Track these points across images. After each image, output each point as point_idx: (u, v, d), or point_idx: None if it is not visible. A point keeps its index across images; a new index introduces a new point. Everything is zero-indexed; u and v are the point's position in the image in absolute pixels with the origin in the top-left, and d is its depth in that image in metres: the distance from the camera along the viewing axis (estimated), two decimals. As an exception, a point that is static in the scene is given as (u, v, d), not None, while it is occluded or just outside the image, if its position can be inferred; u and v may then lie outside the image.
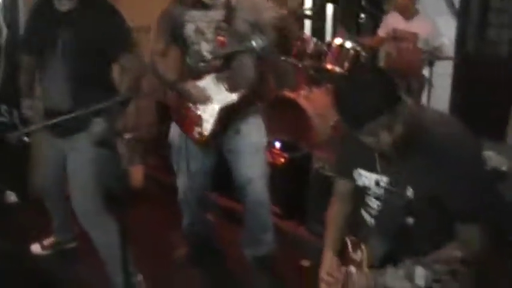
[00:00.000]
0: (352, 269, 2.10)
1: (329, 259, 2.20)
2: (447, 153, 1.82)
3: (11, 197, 4.53)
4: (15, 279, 3.46)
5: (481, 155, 1.92)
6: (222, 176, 3.58)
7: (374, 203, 2.09)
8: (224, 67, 3.13)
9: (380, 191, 2.04)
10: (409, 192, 1.90)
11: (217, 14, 3.13)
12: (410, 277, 1.71)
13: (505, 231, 3.04)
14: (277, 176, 3.99)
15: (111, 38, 3.06)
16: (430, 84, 4.91)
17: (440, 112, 2.10)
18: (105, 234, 3.15)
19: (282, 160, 4.12)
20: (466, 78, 5.65)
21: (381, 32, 5.48)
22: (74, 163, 3.17)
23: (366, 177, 2.07)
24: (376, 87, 1.77)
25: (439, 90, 5.16)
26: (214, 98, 3.20)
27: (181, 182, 3.49)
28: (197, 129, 3.26)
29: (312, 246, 3.79)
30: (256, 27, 3.10)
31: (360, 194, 2.16)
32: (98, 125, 3.02)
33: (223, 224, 4.15)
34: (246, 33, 3.07)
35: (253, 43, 2.86)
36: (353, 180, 2.16)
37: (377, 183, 2.04)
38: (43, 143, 3.36)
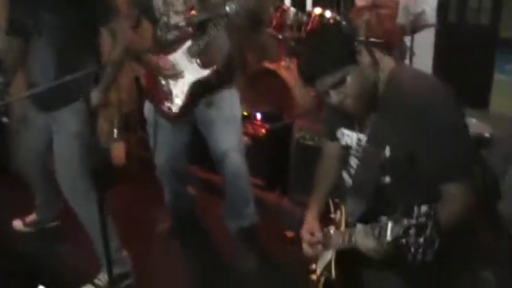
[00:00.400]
0: (331, 228, 2.14)
1: (311, 219, 2.25)
2: (426, 110, 1.79)
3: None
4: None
5: (461, 113, 1.87)
6: (201, 149, 3.56)
7: (354, 162, 2.09)
8: (196, 39, 3.08)
9: (360, 150, 2.05)
10: (386, 150, 1.88)
11: None
12: (380, 234, 1.69)
13: (485, 196, 3.04)
14: (258, 147, 3.99)
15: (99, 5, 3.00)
16: (412, 53, 4.87)
17: (419, 70, 2.07)
18: (91, 210, 3.12)
19: (263, 131, 4.10)
20: (448, 46, 5.63)
21: (359, 1, 5.42)
22: (59, 138, 3.13)
23: (348, 136, 2.08)
24: (328, 44, 1.82)
25: (421, 59, 5.13)
26: (185, 73, 3.17)
27: (158, 156, 3.46)
28: (167, 104, 3.24)
29: (295, 216, 3.80)
30: None
31: (343, 154, 2.17)
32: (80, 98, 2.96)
33: (205, 196, 4.15)
34: (217, 2, 3.01)
35: (227, 8, 2.82)
36: (337, 140, 2.18)
37: (358, 142, 2.05)
38: (29, 117, 3.31)
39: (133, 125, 5.10)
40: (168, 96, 3.22)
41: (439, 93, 1.84)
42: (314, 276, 2.21)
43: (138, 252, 3.52)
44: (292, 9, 4.77)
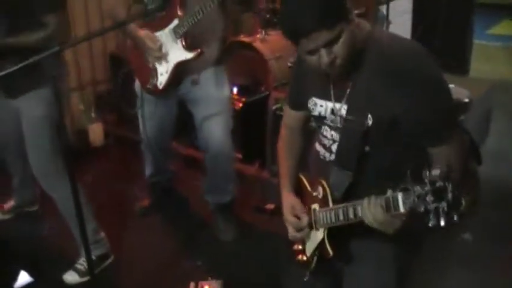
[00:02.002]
0: (316, 206, 2.04)
1: (290, 199, 2.14)
2: (407, 72, 1.72)
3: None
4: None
5: (441, 74, 1.78)
6: (181, 124, 3.57)
7: (329, 133, 2.00)
8: (182, 19, 3.00)
9: (336, 120, 1.94)
10: (368, 118, 1.80)
11: None
12: (391, 207, 1.62)
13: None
14: (236, 120, 3.93)
15: None
16: (388, 21, 4.83)
17: (395, 33, 1.94)
18: (65, 193, 3.08)
19: (240, 105, 4.06)
20: (425, 13, 5.61)
21: None
22: (27, 123, 3.08)
23: (322, 106, 1.97)
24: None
25: (398, 27, 5.10)
26: (170, 53, 3.11)
27: (143, 129, 3.43)
28: (152, 80, 3.21)
29: (275, 188, 3.78)
30: None
31: (316, 125, 2.07)
32: (45, 83, 2.92)
33: (185, 171, 4.15)
34: None
35: None
36: (306, 111, 2.07)
37: (332, 112, 1.94)
38: None
39: (109, 105, 5.04)
40: (153, 73, 3.18)
41: (418, 55, 1.77)
42: (303, 257, 2.12)
43: (117, 232, 3.53)
44: (266, -20, 4.71)
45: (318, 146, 2.09)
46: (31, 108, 3.03)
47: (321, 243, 2.01)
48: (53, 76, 2.66)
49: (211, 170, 3.47)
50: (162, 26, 3.10)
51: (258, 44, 4.36)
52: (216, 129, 3.31)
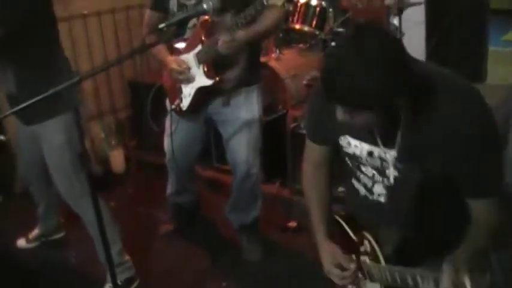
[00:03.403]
0: (365, 258, 1.90)
1: (328, 247, 2.00)
2: (466, 129, 1.58)
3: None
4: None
5: (497, 130, 1.65)
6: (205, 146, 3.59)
7: (369, 171, 1.84)
8: (205, 45, 3.06)
9: (375, 162, 1.79)
10: (420, 167, 1.69)
11: None
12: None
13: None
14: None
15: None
16: (401, 33, 4.84)
17: (453, 76, 1.70)
18: (91, 210, 3.14)
19: (259, 124, 4.08)
20: (439, 22, 5.59)
21: None
22: (48, 149, 3.14)
23: (356, 146, 1.81)
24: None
25: (412, 38, 5.10)
26: (195, 76, 3.16)
27: (169, 146, 3.43)
28: (178, 101, 3.26)
29: (297, 206, 3.81)
30: None
31: (351, 162, 1.91)
32: (63, 111, 2.98)
33: (206, 193, 4.19)
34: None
35: (204, 5, 2.79)
36: (332, 146, 1.95)
37: (370, 154, 1.79)
38: (19, 131, 3.33)
39: (129, 131, 5.09)
40: (180, 94, 3.24)
41: (476, 107, 1.61)
42: None
43: (143, 255, 3.56)
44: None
45: (356, 184, 1.94)
46: (50, 135, 3.08)
47: None
48: (75, 106, 2.71)
49: (238, 189, 3.47)
50: (188, 50, 3.16)
51: (273, 63, 4.39)
52: (244, 150, 3.32)
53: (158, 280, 3.41)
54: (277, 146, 4.03)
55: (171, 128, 3.35)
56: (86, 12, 4.90)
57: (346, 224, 2.00)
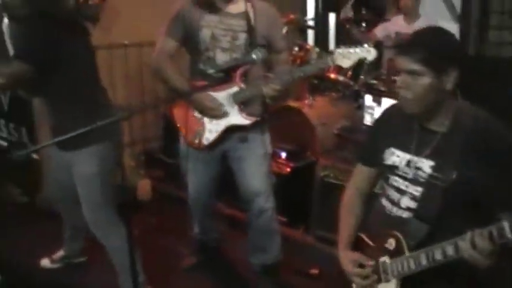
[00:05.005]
0: (385, 258, 2.12)
1: (349, 255, 2.25)
2: (500, 142, 1.93)
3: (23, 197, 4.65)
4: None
5: None
6: (227, 184, 3.60)
7: (401, 184, 2.13)
8: (243, 88, 3.14)
9: (410, 172, 2.09)
10: (453, 176, 1.95)
11: (236, 24, 3.12)
12: (499, 235, 1.72)
13: None
14: (283, 185, 4.03)
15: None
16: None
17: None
18: (116, 241, 3.19)
19: (288, 170, 4.14)
20: (468, 81, 5.64)
21: (379, 32, 5.51)
22: (79, 177, 3.19)
23: (398, 156, 2.13)
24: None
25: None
26: (227, 115, 3.21)
27: (190, 188, 3.50)
28: (197, 135, 3.26)
29: (320, 253, 3.83)
30: (268, 41, 3.14)
31: (385, 175, 2.22)
32: (99, 141, 3.07)
33: (228, 232, 4.20)
34: (261, 47, 3.07)
35: (253, 56, 2.88)
36: (376, 167, 2.26)
37: (408, 164, 2.10)
38: (53, 154, 3.38)
39: (158, 162, 5.17)
40: (201, 128, 3.24)
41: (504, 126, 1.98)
42: None
43: (163, 285, 3.58)
44: (316, 49, 4.84)
45: (384, 201, 2.22)
46: (83, 164, 3.14)
47: None
48: (116, 139, 2.79)
49: (254, 227, 3.49)
50: (220, 89, 3.17)
51: (306, 110, 4.46)
52: (258, 184, 3.35)
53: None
54: (304, 192, 4.07)
55: (187, 167, 3.40)
56: (126, 42, 5.04)
57: (367, 237, 2.26)
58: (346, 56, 2.89)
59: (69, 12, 3.18)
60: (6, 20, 3.91)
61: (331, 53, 2.98)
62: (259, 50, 2.91)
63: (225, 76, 3.13)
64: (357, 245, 2.28)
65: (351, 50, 2.88)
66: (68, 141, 2.92)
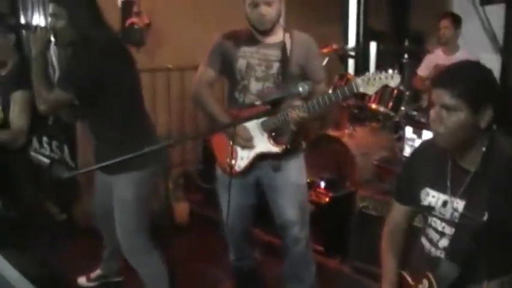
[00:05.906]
0: None
1: None
2: None
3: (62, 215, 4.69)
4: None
5: None
6: (264, 210, 3.58)
7: (439, 225, 2.12)
8: (272, 116, 3.14)
9: (447, 213, 2.08)
10: (484, 217, 1.93)
11: (271, 54, 3.16)
12: None
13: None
14: (321, 214, 4.02)
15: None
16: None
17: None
18: (149, 268, 3.21)
19: (326, 199, 4.13)
20: (509, 114, 5.57)
21: (421, 71, 5.51)
22: (117, 201, 3.22)
23: (434, 197, 2.12)
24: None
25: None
26: (255, 141, 3.23)
27: (224, 215, 3.52)
28: (230, 161, 3.25)
29: (356, 284, 3.80)
30: (306, 71, 3.16)
31: (423, 216, 2.21)
32: (138, 168, 3.09)
33: (266, 258, 4.18)
34: (296, 76, 3.11)
35: (300, 89, 2.88)
36: (413, 205, 2.24)
37: (444, 204, 2.09)
38: (97, 174, 3.44)
39: (198, 186, 5.20)
40: (234, 155, 3.25)
41: None
42: None
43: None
44: (356, 78, 4.83)
45: (424, 241, 2.21)
46: (121, 189, 3.17)
47: None
48: (161, 166, 2.81)
49: (289, 256, 3.47)
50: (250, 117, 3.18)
51: (345, 139, 4.48)
52: (293, 216, 3.32)
53: None
54: (342, 222, 4.06)
55: (221, 194, 3.39)
56: (170, 66, 5.12)
57: (409, 275, 2.24)
58: (370, 83, 2.87)
59: (114, 38, 3.23)
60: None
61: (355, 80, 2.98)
62: (307, 83, 2.90)
63: (272, 109, 3.14)
64: (400, 282, 2.27)
65: (375, 77, 2.86)
66: (109, 165, 3.01)
